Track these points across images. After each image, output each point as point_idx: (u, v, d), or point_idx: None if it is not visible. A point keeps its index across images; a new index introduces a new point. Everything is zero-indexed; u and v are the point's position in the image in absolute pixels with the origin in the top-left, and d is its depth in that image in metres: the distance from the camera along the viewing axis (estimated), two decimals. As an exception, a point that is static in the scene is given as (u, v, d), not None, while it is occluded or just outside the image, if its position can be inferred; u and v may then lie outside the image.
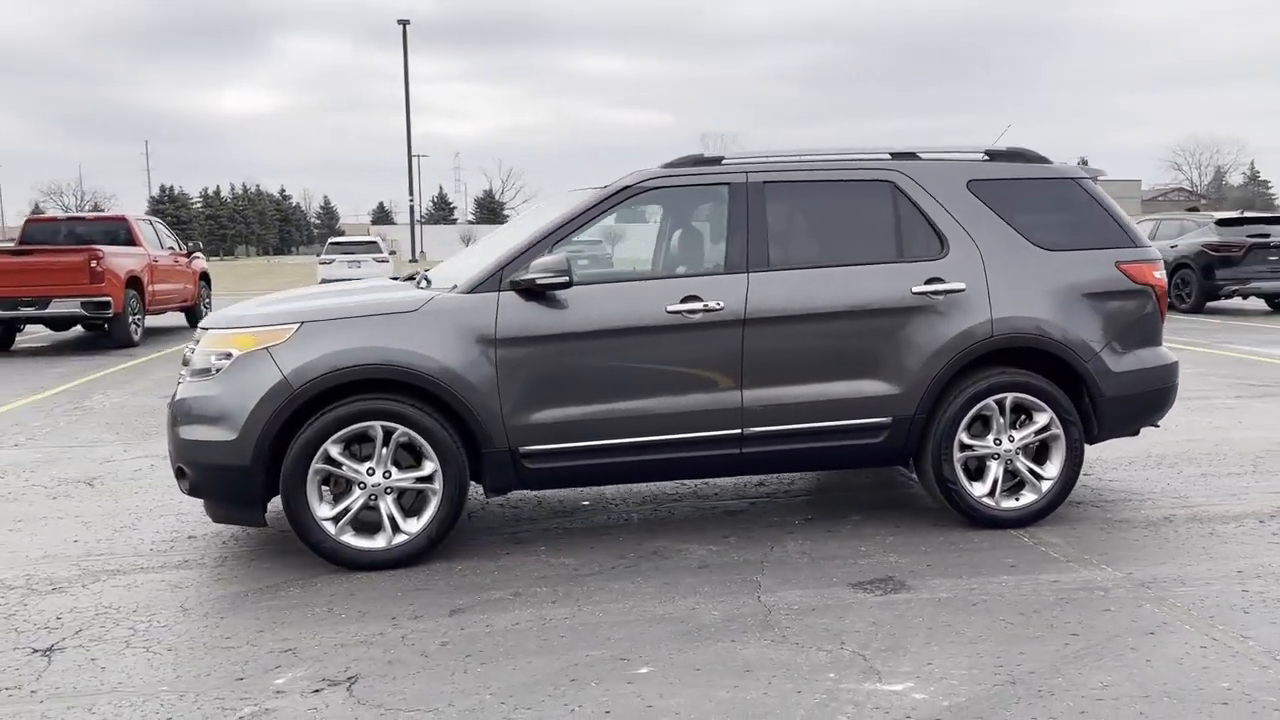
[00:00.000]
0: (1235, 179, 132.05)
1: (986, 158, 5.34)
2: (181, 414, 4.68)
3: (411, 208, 39.53)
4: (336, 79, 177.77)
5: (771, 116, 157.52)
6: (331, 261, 28.18)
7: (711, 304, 4.78)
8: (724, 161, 5.06)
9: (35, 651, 3.78)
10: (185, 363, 5.07)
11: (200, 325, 5.01)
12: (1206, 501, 5.51)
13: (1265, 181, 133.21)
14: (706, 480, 6.05)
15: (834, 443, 4.95)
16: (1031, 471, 5.11)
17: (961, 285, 4.99)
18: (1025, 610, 4.00)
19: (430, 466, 4.61)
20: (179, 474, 4.74)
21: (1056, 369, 5.12)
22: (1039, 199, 5.25)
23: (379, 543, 4.62)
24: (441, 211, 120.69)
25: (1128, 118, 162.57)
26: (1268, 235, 16.90)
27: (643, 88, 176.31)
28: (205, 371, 4.67)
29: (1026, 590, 4.22)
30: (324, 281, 26.78)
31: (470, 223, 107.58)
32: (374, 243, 29.58)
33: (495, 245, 5.67)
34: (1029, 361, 5.10)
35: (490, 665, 3.59)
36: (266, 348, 4.57)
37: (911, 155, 5.24)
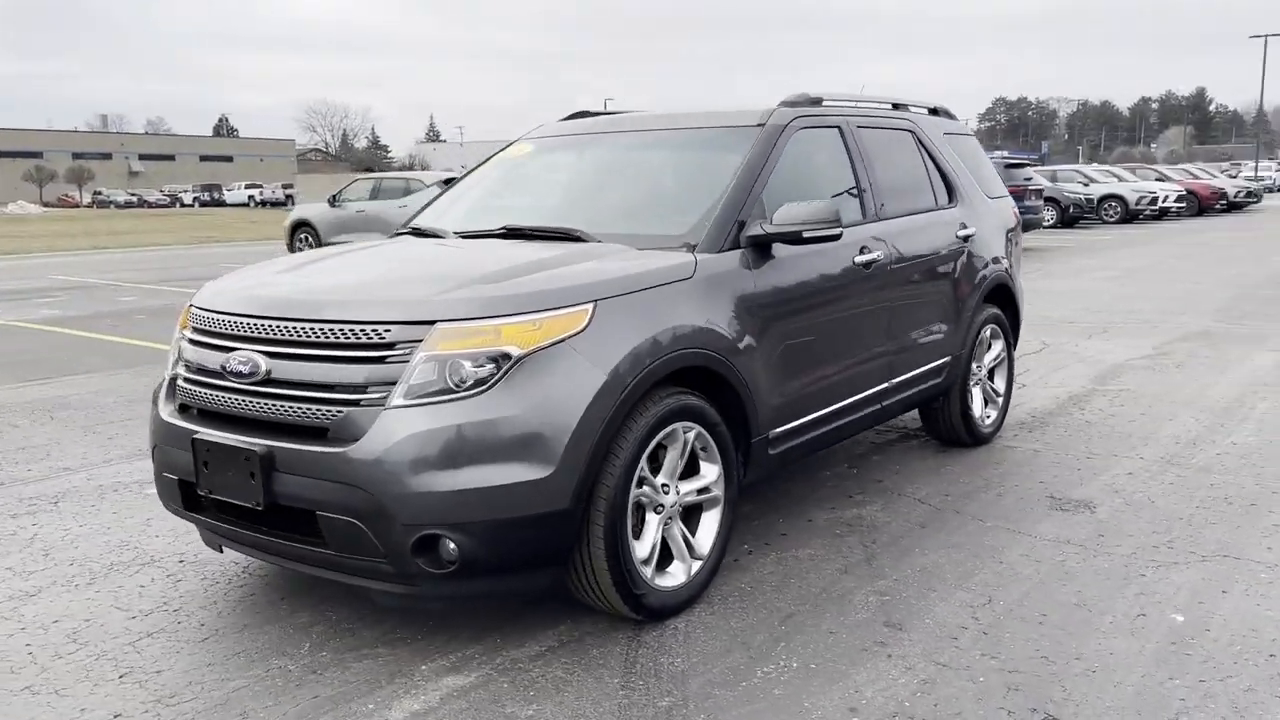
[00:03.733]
0: (360, 142, 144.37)
1: (929, 112, 5.81)
2: (439, 454, 3.02)
3: None
4: None
5: None
6: None
7: (878, 254, 4.58)
8: (824, 103, 4.77)
9: None
10: (206, 371, 3.38)
11: (378, 317, 3.17)
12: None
13: (385, 146, 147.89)
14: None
15: (920, 387, 5.09)
16: (994, 390, 5.86)
17: (974, 230, 5.48)
18: (1197, 497, 4.78)
19: (712, 471, 3.70)
20: (425, 545, 3.06)
21: (1002, 301, 5.89)
22: (969, 151, 5.93)
23: (679, 577, 3.60)
24: None
25: (241, 79, 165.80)
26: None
27: None
28: (451, 389, 3.07)
29: (1145, 480, 4.99)
30: None
31: None
32: None
33: (533, 193, 4.72)
34: (992, 297, 5.79)
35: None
36: (564, 340, 3.19)
37: (905, 106, 5.51)
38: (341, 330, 3.17)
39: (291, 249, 19.44)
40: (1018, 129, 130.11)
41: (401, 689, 3.10)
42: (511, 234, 4.11)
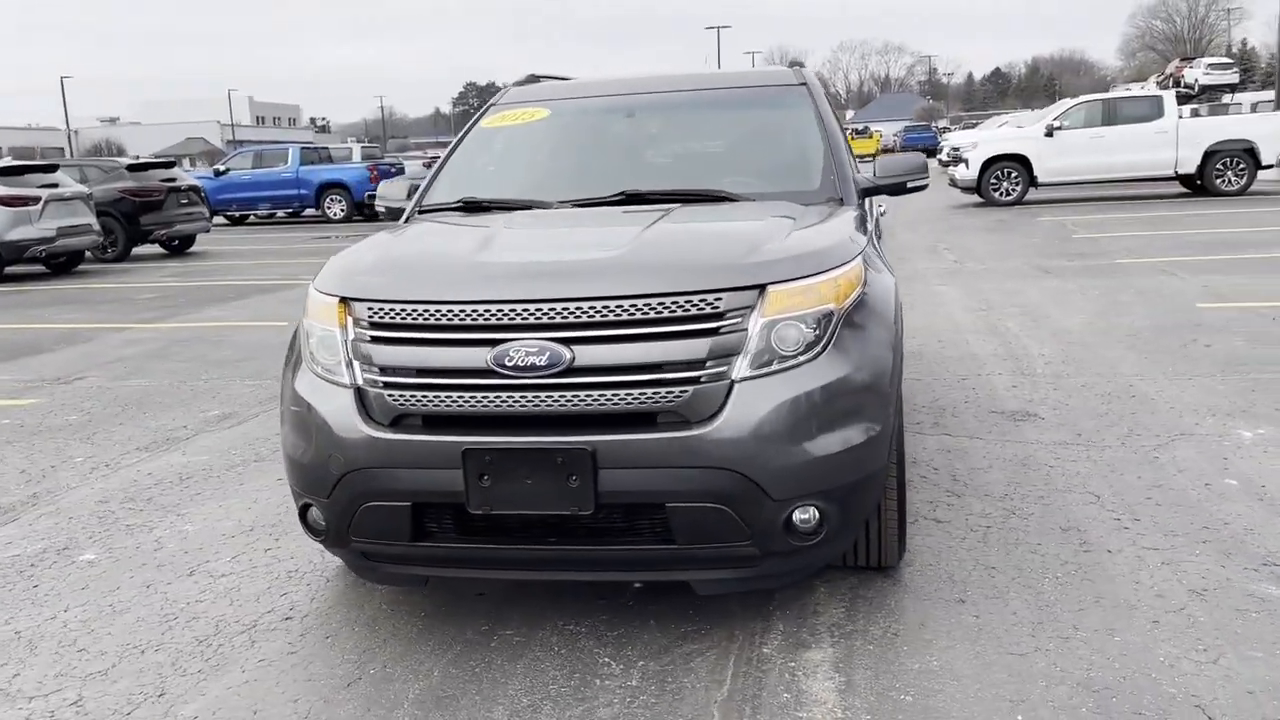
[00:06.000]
0: None
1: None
2: (801, 422, 2.87)
3: None
4: None
5: None
6: None
7: (882, 206, 4.93)
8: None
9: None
10: (451, 371, 2.96)
11: (711, 285, 2.90)
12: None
13: None
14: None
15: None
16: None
17: (868, 184, 6.01)
18: (1089, 396, 5.74)
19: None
20: (790, 520, 2.92)
21: None
22: None
23: (892, 520, 3.72)
24: None
25: None
26: (175, 179, 17.58)
27: None
28: (786, 354, 2.93)
29: (1034, 390, 5.89)
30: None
31: None
32: None
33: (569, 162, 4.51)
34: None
35: None
36: (858, 294, 3.17)
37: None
38: (667, 303, 2.87)
39: None
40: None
41: (787, 673, 2.94)
42: (632, 199, 3.87)
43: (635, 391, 2.84)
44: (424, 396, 2.95)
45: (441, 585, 3.56)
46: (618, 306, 2.87)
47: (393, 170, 24.90)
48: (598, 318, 2.87)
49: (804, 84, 4.44)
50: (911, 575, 3.54)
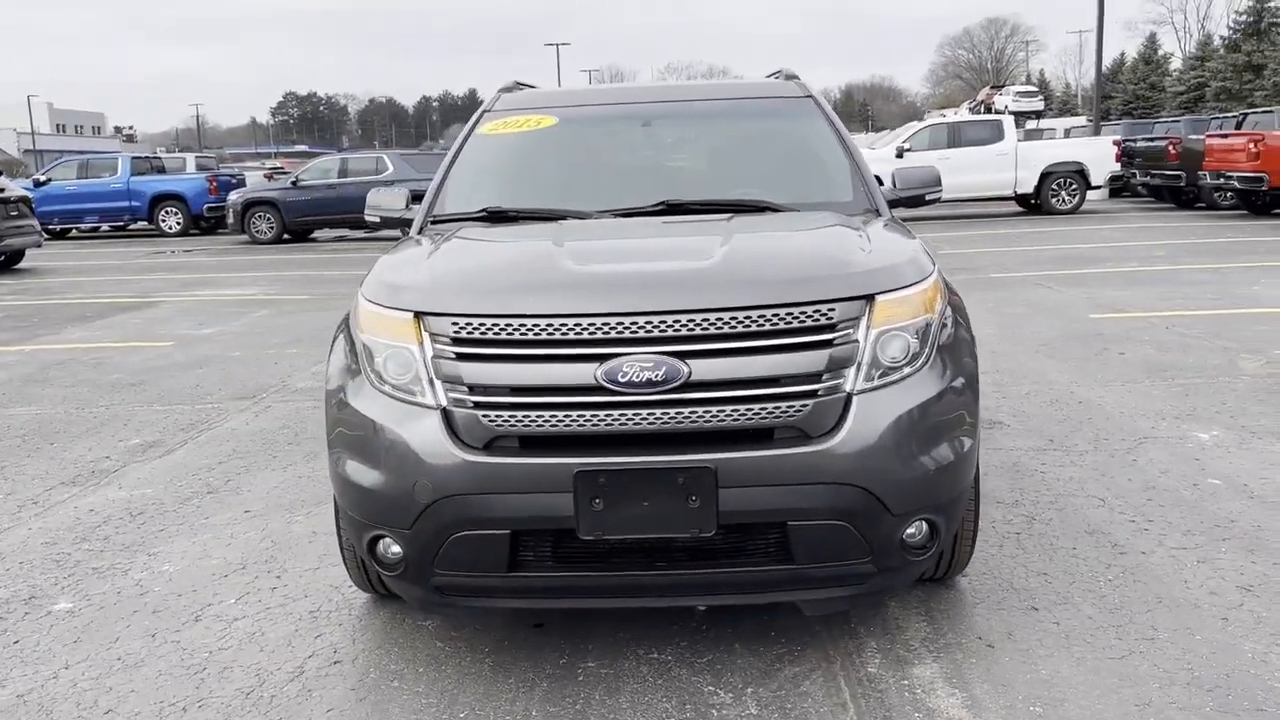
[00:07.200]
0: None
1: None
2: (917, 434, 2.83)
3: None
4: None
5: None
6: None
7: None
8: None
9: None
10: (552, 389, 2.76)
11: (825, 296, 2.81)
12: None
13: None
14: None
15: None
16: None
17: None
18: (1039, 403, 5.95)
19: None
20: (903, 542, 2.88)
21: None
22: None
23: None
24: None
25: None
26: (3, 190, 16.22)
27: None
28: (890, 365, 2.87)
29: (984, 400, 6.07)
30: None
31: None
32: None
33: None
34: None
35: None
36: (943, 304, 3.17)
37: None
38: (782, 314, 2.78)
39: None
40: (311, 124, 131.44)
41: (905, 692, 2.89)
42: (672, 209, 3.75)
43: (755, 406, 2.74)
44: (524, 417, 2.75)
45: (493, 620, 3.35)
46: (732, 318, 2.76)
47: (234, 181, 23.78)
48: (713, 330, 2.75)
49: (810, 96, 4.44)
50: (972, 585, 3.55)
